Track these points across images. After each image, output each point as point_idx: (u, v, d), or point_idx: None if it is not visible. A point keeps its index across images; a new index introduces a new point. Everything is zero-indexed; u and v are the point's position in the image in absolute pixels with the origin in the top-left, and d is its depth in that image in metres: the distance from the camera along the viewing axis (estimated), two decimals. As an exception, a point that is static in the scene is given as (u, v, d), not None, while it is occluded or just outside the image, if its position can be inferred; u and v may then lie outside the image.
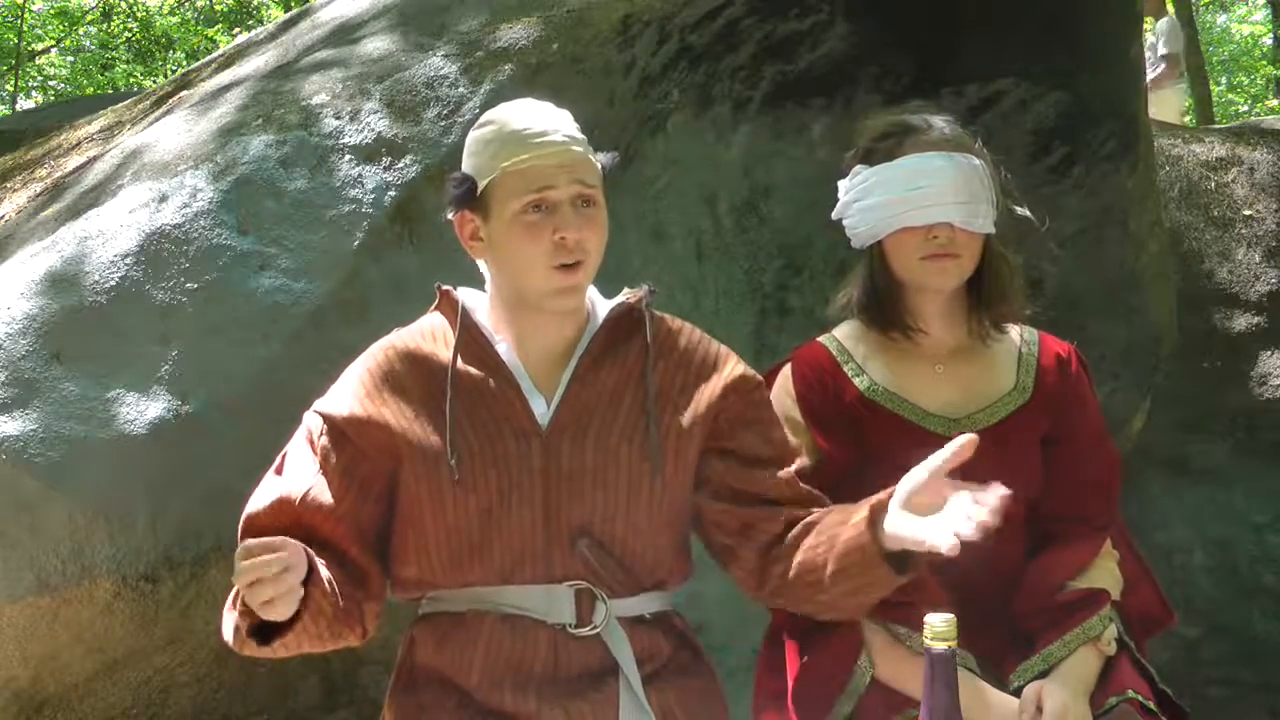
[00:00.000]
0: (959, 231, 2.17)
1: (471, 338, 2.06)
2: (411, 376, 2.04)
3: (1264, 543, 4.93)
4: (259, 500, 2.02)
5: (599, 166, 2.06)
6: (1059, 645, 2.11)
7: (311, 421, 2.06)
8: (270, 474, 2.07)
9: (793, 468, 2.09)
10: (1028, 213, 2.33)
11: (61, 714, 3.11)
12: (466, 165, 2.06)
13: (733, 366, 2.11)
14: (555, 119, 2.05)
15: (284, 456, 2.08)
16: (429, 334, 2.10)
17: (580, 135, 2.06)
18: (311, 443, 2.04)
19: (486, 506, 1.98)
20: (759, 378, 2.17)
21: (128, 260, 3.16)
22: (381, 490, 2.03)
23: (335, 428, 2.02)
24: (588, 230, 1.99)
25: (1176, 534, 4.93)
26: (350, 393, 2.05)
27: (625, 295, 2.13)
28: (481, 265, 2.12)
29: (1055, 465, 2.25)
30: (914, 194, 2.17)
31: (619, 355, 2.07)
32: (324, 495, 1.98)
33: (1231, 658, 4.73)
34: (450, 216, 2.08)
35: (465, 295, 2.13)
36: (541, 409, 2.02)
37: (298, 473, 2.02)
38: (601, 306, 2.13)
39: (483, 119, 2.08)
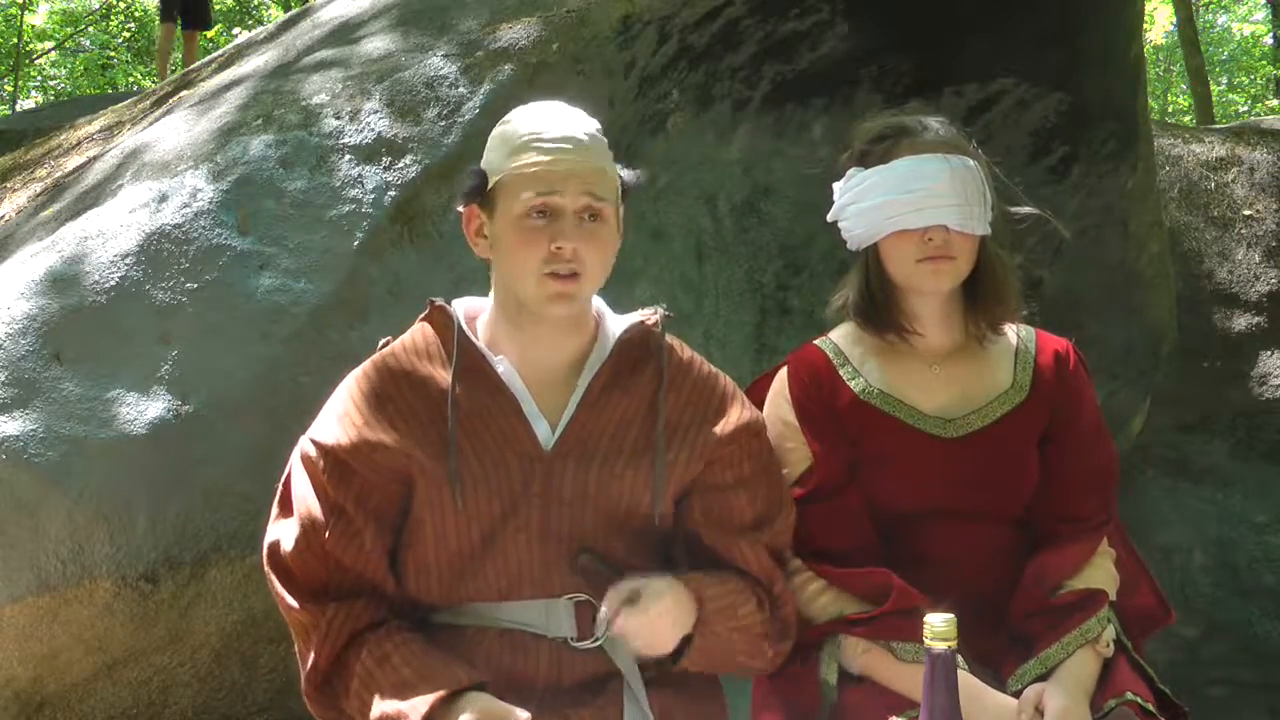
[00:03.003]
0: (954, 234, 2.17)
1: (469, 358, 2.01)
2: (408, 399, 1.99)
3: (1264, 543, 4.94)
4: (284, 540, 1.98)
5: (617, 182, 2.02)
6: (1057, 648, 2.10)
7: (310, 453, 2.00)
8: (276, 508, 2.03)
9: (764, 535, 2.08)
10: (1030, 209, 2.32)
11: (61, 714, 3.11)
12: (484, 160, 2.04)
13: (739, 411, 2.09)
14: (576, 125, 2.00)
15: (287, 490, 2.03)
16: (422, 351, 2.04)
17: (601, 147, 2.01)
18: (316, 479, 1.98)
19: (488, 531, 1.96)
20: (761, 422, 2.15)
21: (128, 260, 3.16)
22: (395, 518, 1.99)
23: (338, 460, 1.96)
24: (588, 244, 1.95)
25: (1176, 534, 4.94)
26: (346, 419, 1.99)
27: (639, 317, 2.09)
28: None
29: (1052, 463, 2.25)
30: (909, 197, 2.16)
31: (630, 382, 2.04)
32: (348, 533, 1.95)
33: (1231, 657, 4.74)
34: (460, 209, 2.06)
35: (462, 307, 2.09)
36: (545, 432, 1.99)
37: (314, 511, 1.96)
38: (612, 323, 2.09)
39: (508, 115, 2.05)
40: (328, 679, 1.96)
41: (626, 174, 2.06)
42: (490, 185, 1.99)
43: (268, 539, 2.02)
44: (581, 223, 1.95)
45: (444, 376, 2.00)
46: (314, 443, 2.00)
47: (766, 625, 2.03)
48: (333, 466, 1.97)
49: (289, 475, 2.04)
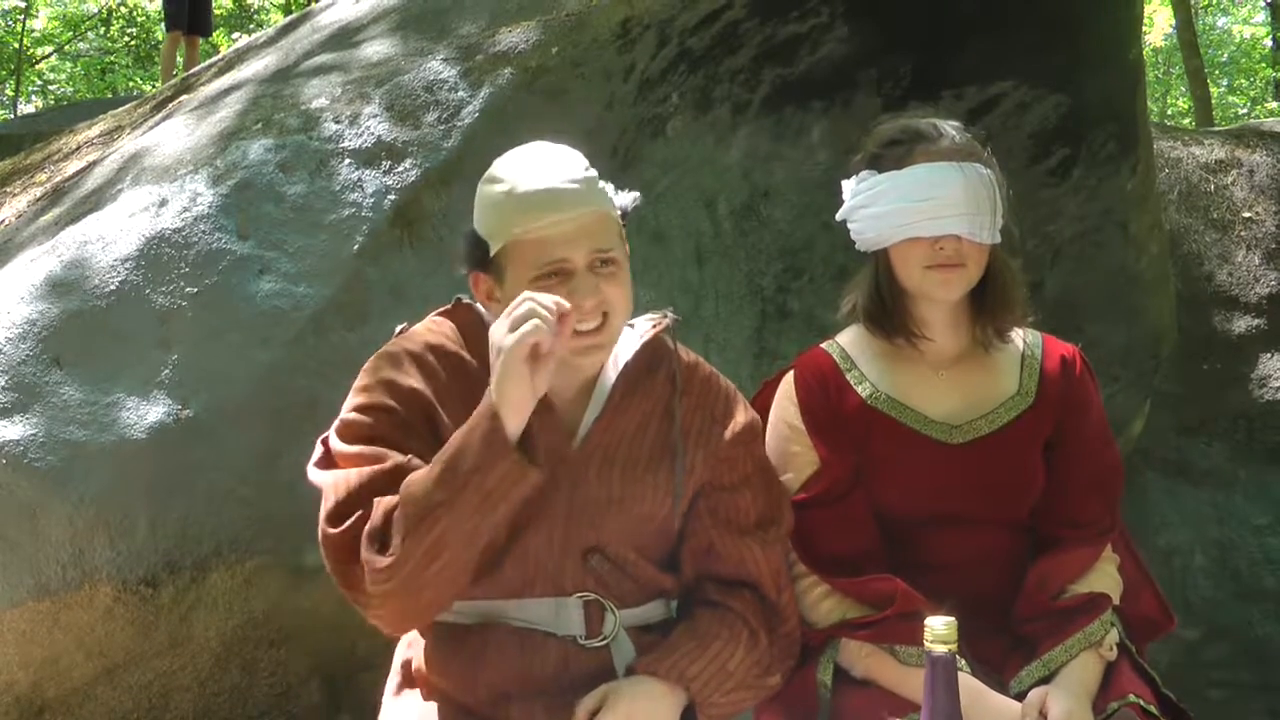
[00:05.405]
0: (966, 242, 2.17)
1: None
2: (435, 366, 1.97)
3: (1264, 545, 4.94)
4: (330, 497, 1.88)
5: (618, 217, 1.99)
6: (1060, 650, 2.10)
7: (338, 428, 1.95)
8: (316, 470, 1.95)
9: (771, 536, 2.10)
10: (1013, 228, 2.31)
11: (62, 718, 3.11)
12: (478, 223, 1.99)
13: (742, 414, 2.12)
14: (567, 173, 1.95)
15: (327, 452, 1.96)
16: (454, 338, 2.03)
17: (594, 186, 1.96)
18: (354, 430, 1.92)
19: (514, 527, 1.94)
20: (760, 424, 2.18)
21: (128, 264, 3.16)
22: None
23: (369, 406, 1.92)
24: (609, 289, 1.93)
25: (1177, 536, 4.94)
26: (371, 376, 1.96)
27: (650, 324, 2.09)
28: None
29: (1058, 468, 2.25)
30: (922, 205, 2.16)
31: (646, 386, 2.06)
32: (398, 426, 1.90)
33: (1232, 660, 4.74)
34: (464, 273, 2.02)
35: (486, 311, 2.05)
36: (569, 434, 2.00)
37: (381, 451, 1.88)
38: (626, 332, 2.09)
39: (492, 173, 1.99)
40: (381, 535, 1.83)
41: (624, 200, 2.02)
42: (494, 252, 1.95)
43: (323, 520, 1.90)
44: (596, 272, 1.93)
45: (471, 360, 1.99)
46: (341, 421, 1.95)
47: (763, 660, 2.04)
48: (367, 410, 1.92)
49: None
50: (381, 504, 1.82)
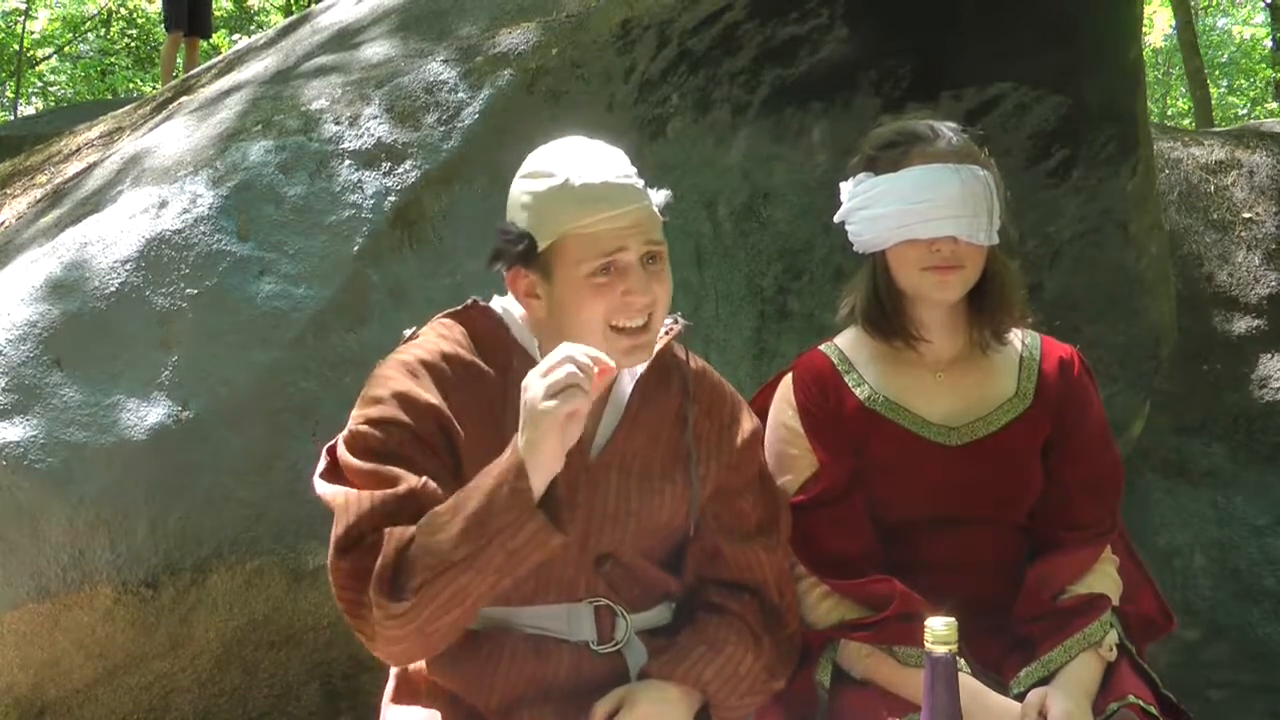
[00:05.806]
0: (962, 244, 2.17)
1: (517, 359, 1.96)
2: (451, 378, 1.91)
3: (1264, 545, 4.94)
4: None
5: (660, 214, 1.97)
6: (1059, 651, 2.11)
7: (348, 437, 1.89)
8: (323, 482, 1.90)
9: (773, 539, 2.11)
10: (1010, 229, 2.32)
11: (62, 720, 3.11)
12: (521, 218, 1.92)
13: (747, 420, 2.12)
14: (620, 167, 1.93)
15: (334, 462, 1.90)
16: (466, 345, 1.97)
17: (639, 181, 1.94)
18: (363, 443, 1.86)
19: None
20: (761, 430, 2.18)
21: (128, 266, 3.16)
22: (443, 476, 1.87)
23: (383, 420, 1.85)
24: (656, 286, 1.93)
25: (1177, 537, 4.94)
26: (398, 386, 1.88)
27: (663, 331, 2.05)
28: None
29: (1057, 470, 2.25)
30: (918, 207, 2.16)
31: (659, 395, 2.05)
32: (434, 488, 1.83)
33: (1232, 660, 4.73)
34: (500, 269, 1.96)
35: (505, 313, 2.02)
36: (585, 443, 1.97)
37: (394, 472, 1.82)
38: None
39: (534, 166, 1.94)
40: (395, 575, 1.78)
41: (658, 198, 2.00)
42: (542, 248, 1.90)
43: (332, 546, 1.85)
44: (646, 268, 1.93)
45: (487, 369, 1.95)
46: (350, 432, 1.89)
47: (769, 663, 2.05)
48: (379, 424, 1.86)
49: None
50: (393, 537, 1.76)
